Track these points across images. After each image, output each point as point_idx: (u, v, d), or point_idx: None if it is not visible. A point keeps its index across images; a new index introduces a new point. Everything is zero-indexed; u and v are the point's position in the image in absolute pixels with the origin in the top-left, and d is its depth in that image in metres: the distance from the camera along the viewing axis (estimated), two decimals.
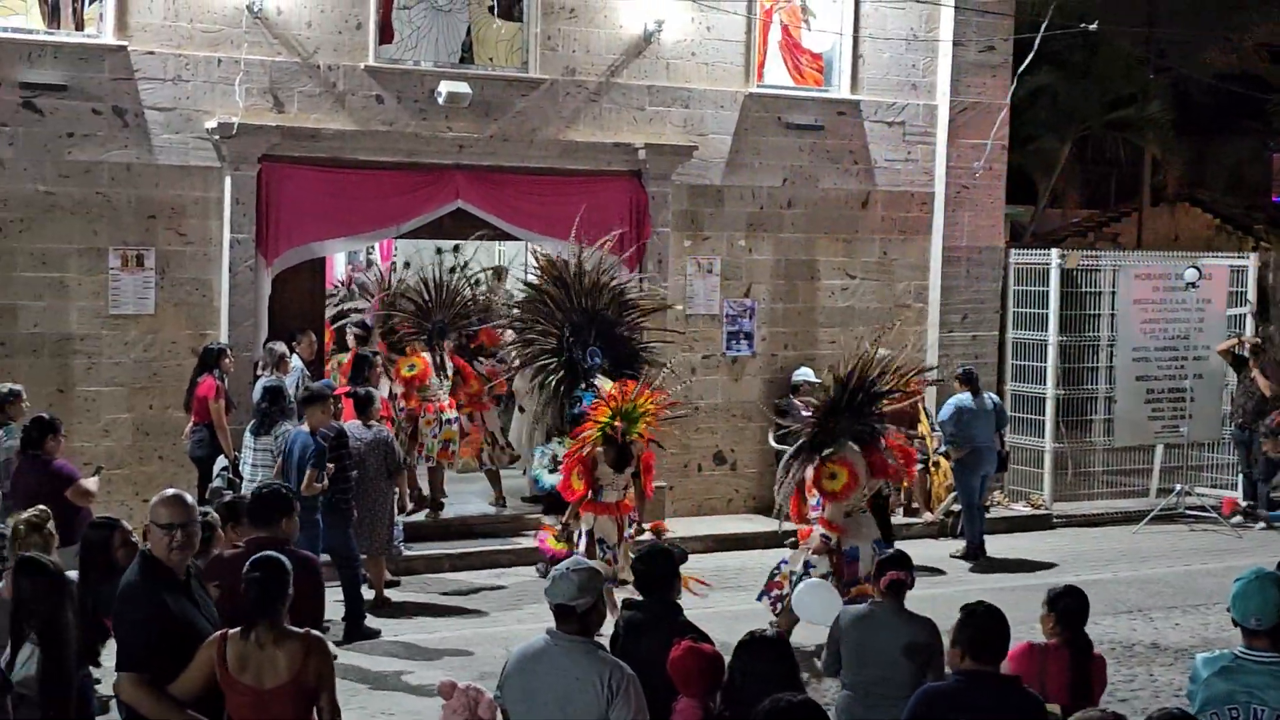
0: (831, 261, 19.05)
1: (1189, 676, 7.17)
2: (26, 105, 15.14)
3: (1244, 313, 20.95)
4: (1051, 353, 19.57)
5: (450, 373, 16.96)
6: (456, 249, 19.44)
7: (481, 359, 17.61)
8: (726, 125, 18.27)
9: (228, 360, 15.07)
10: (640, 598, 8.14)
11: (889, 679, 8.41)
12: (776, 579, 12.71)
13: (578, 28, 17.44)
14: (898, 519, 17.87)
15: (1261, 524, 19.32)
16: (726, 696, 6.86)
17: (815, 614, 9.78)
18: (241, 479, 13.90)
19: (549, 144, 17.26)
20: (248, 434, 14.05)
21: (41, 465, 11.86)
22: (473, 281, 18.43)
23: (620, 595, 11.28)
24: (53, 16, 15.41)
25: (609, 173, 17.57)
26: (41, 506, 9.30)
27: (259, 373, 15.16)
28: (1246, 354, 19.91)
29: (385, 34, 16.76)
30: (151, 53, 15.58)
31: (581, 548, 13.03)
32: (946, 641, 7.44)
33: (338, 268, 19.87)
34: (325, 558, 12.41)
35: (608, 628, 7.90)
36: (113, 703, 8.49)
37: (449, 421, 16.88)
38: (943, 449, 17.77)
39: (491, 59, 17.31)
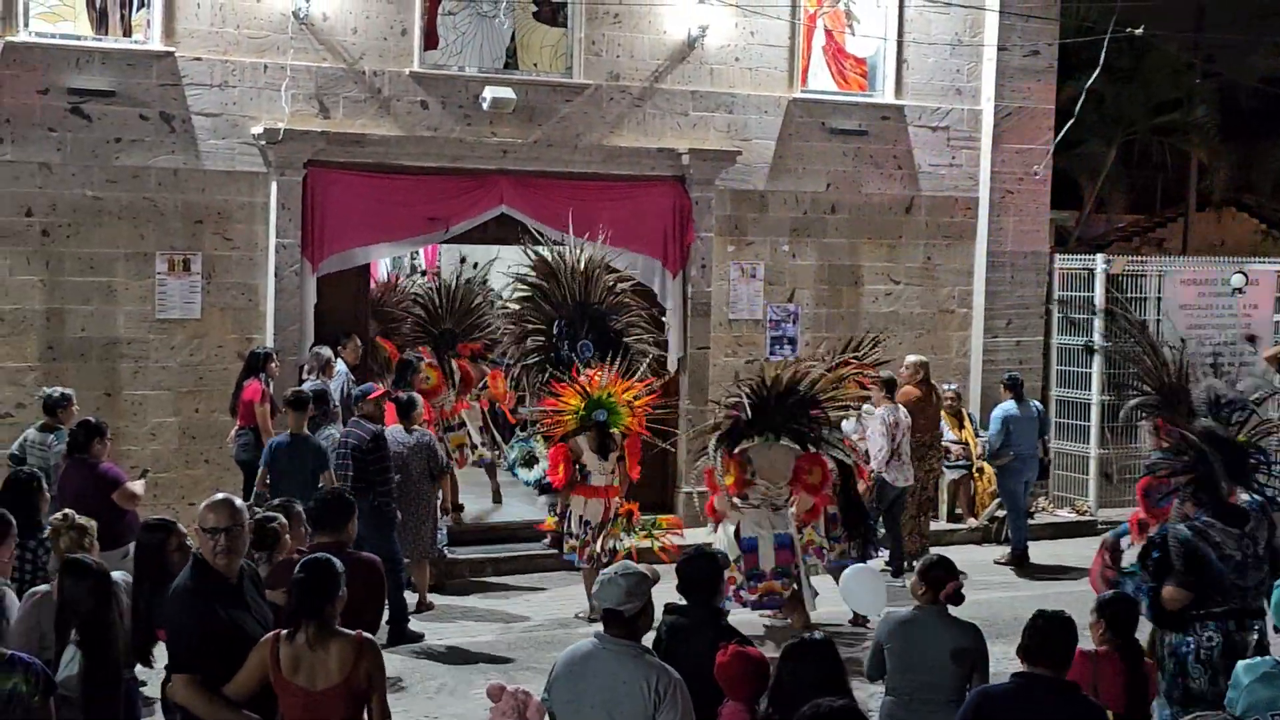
0: (875, 267, 19.02)
1: (1229, 683, 7.14)
2: (75, 111, 15.24)
3: None
4: (1097, 358, 19.48)
5: (457, 379, 17.09)
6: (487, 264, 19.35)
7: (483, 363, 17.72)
8: (770, 130, 18.26)
9: (274, 364, 15.14)
10: (683, 601, 8.14)
11: (933, 684, 8.39)
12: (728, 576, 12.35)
13: (622, 33, 17.47)
14: (941, 525, 17.89)
15: None
16: (773, 700, 6.86)
17: (862, 601, 9.72)
18: None
19: (593, 149, 17.28)
20: None
21: (88, 469, 11.93)
22: (487, 290, 18.47)
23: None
24: (101, 23, 15.51)
25: (652, 178, 17.59)
26: (85, 518, 9.33)
27: (304, 377, 15.22)
28: None
29: (430, 40, 16.82)
30: (198, 59, 15.67)
31: (567, 526, 14.05)
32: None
33: (381, 273, 19.93)
34: None
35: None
36: (158, 705, 8.56)
37: (459, 426, 16.97)
38: (986, 455, 17.72)
39: (536, 64, 17.35)
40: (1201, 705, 8.47)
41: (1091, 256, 20.18)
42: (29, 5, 15.12)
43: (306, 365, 15.40)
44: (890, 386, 15.93)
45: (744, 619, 12.49)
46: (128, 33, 15.60)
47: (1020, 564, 17.03)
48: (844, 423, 15.84)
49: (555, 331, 15.35)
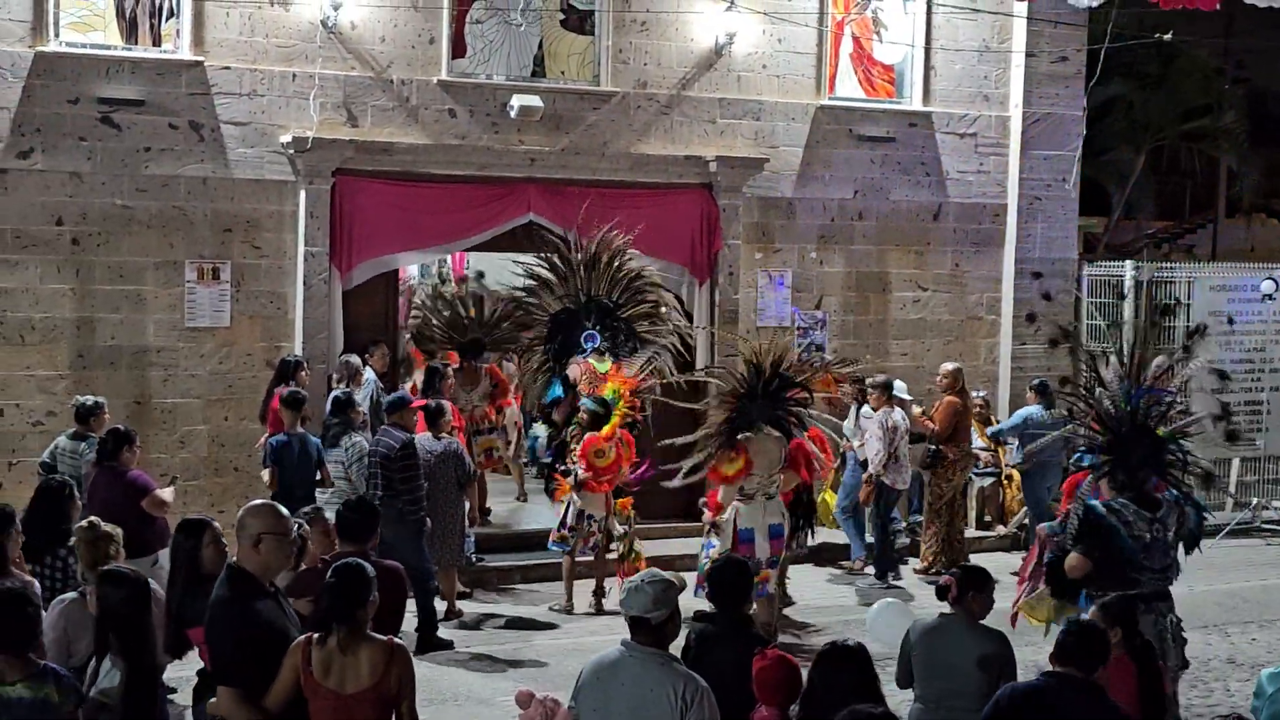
0: (903, 273, 18.99)
1: (1253, 691, 7.14)
2: (105, 120, 15.32)
3: None
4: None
5: (490, 385, 17.16)
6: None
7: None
8: (797, 137, 18.25)
9: (304, 373, 15.18)
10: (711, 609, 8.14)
11: (960, 691, 8.40)
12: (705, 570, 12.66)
13: (649, 41, 17.48)
14: (970, 532, 17.84)
15: None
16: (805, 707, 6.86)
17: (885, 635, 9.71)
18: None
19: (620, 157, 17.30)
20: None
21: (117, 476, 11.97)
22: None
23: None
24: (130, 33, 15.58)
25: (680, 185, 17.59)
26: (111, 525, 9.36)
27: (334, 385, 15.25)
28: None
29: (458, 48, 16.86)
30: (227, 68, 15.74)
31: (570, 520, 14.46)
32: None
33: (410, 277, 19.98)
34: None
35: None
36: (188, 712, 8.59)
37: (489, 431, 17.00)
38: (1014, 462, 17.71)
39: (563, 72, 17.37)
40: None
41: (1120, 263, 20.13)
42: (59, 15, 15.20)
43: (336, 374, 15.44)
44: (888, 390, 16.08)
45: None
46: (157, 42, 15.66)
47: None
48: (844, 425, 16.22)
49: (558, 320, 15.74)
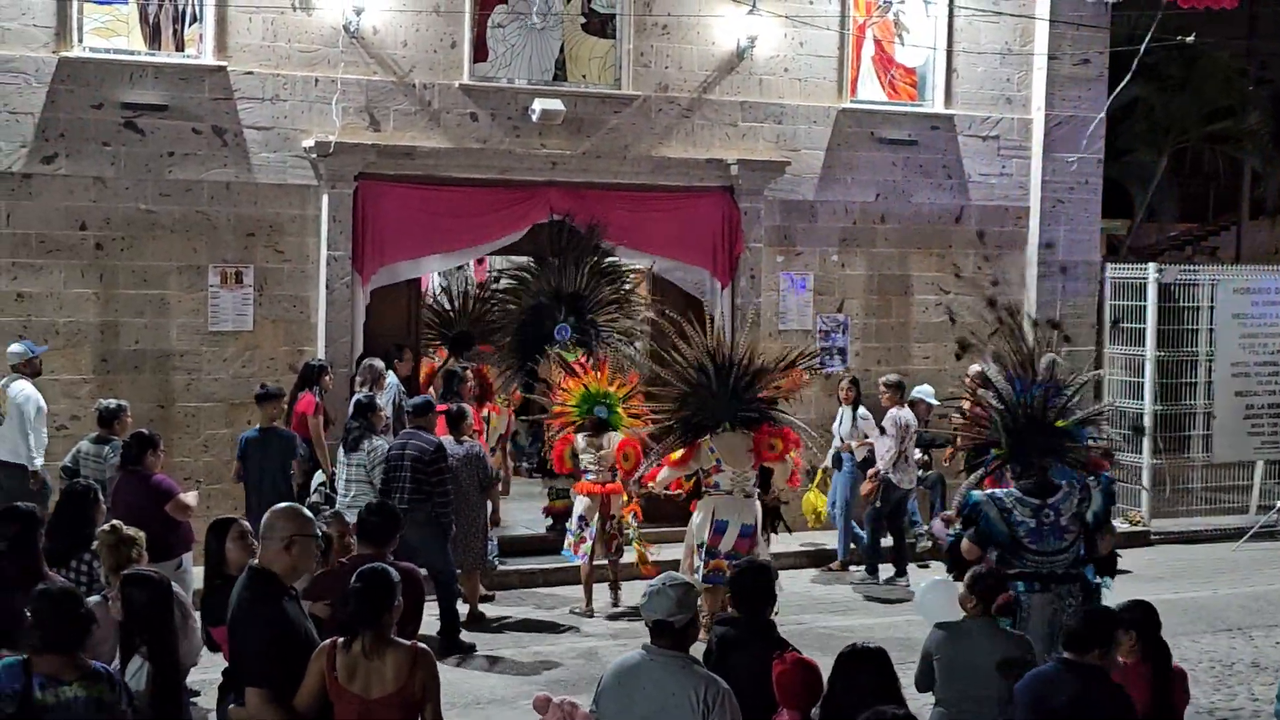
0: (925, 276, 18.97)
1: (1275, 694, 7.16)
2: (128, 125, 15.38)
3: None
4: (1149, 368, 19.37)
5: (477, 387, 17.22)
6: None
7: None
8: (819, 140, 18.25)
9: (328, 378, 15.23)
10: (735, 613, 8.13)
11: (981, 695, 8.44)
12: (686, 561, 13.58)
13: (671, 44, 17.49)
14: None
15: None
16: (826, 710, 6.86)
17: (935, 614, 9.73)
18: (337, 494, 14.06)
19: (642, 160, 17.31)
20: (340, 450, 14.22)
21: (141, 480, 12.00)
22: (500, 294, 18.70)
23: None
24: (154, 38, 15.64)
25: (701, 188, 17.60)
26: (133, 529, 9.39)
27: (357, 389, 15.28)
28: None
29: (480, 52, 16.89)
30: (250, 73, 15.79)
31: (573, 525, 14.77)
32: None
33: (433, 285, 20.01)
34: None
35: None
36: (211, 715, 8.62)
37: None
38: None
39: (585, 76, 17.40)
40: None
41: (1143, 265, 20.08)
42: (83, 21, 15.27)
43: (359, 377, 15.47)
44: (899, 389, 16.17)
45: None
46: (180, 48, 15.72)
47: None
48: (841, 426, 16.58)
49: (532, 312, 16.43)
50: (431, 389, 16.76)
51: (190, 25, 15.74)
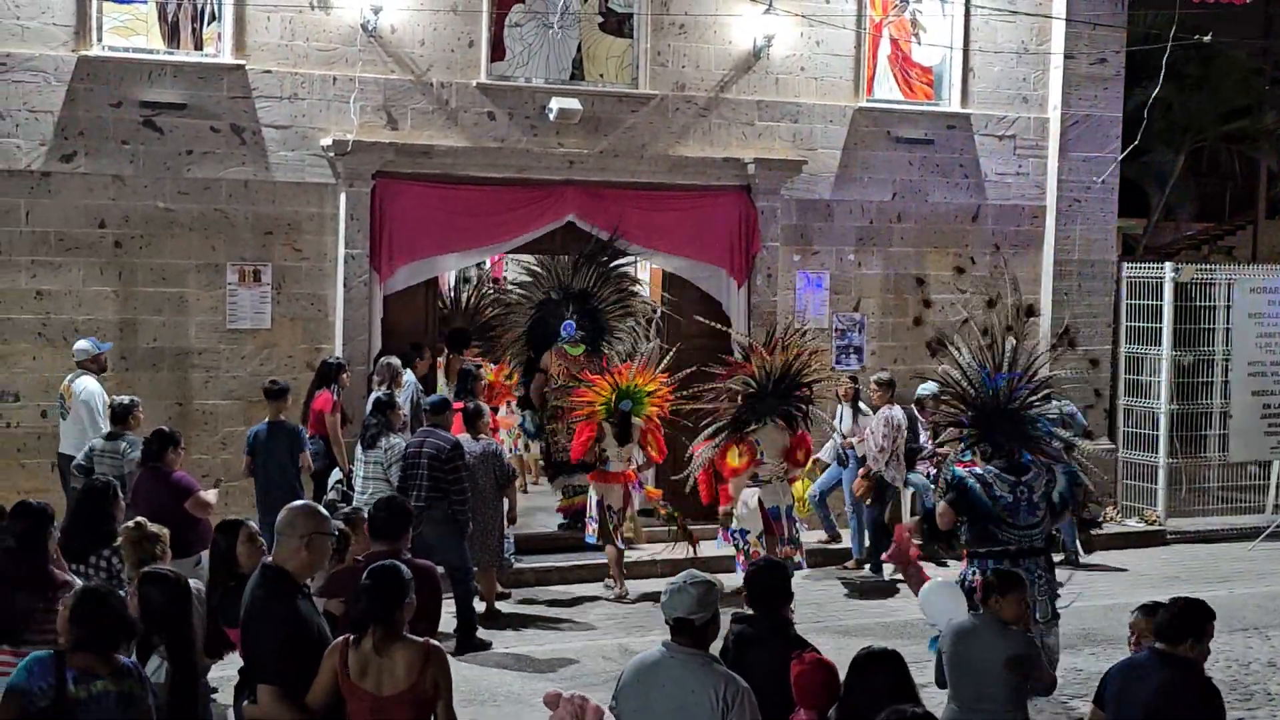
0: (941, 275, 18.97)
1: None
2: (147, 124, 15.43)
3: None
4: (1165, 367, 19.36)
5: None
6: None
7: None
8: (836, 140, 18.26)
9: (345, 375, 15.28)
10: (750, 611, 8.15)
11: (991, 693, 8.52)
12: (749, 550, 14.35)
13: (687, 43, 17.51)
14: None
15: None
16: (843, 711, 6.88)
17: (938, 615, 9.81)
18: (354, 491, 14.11)
19: (659, 159, 17.33)
20: (358, 448, 14.27)
21: (161, 477, 12.04)
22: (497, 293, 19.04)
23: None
24: (172, 36, 15.69)
25: (718, 187, 17.61)
26: (157, 526, 9.44)
27: (375, 387, 15.31)
28: None
29: (497, 51, 16.92)
30: (268, 71, 15.84)
31: (593, 512, 15.31)
32: None
33: (449, 283, 20.07)
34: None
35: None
36: (230, 712, 8.65)
37: None
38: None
39: (602, 75, 17.42)
40: None
41: (1160, 265, 20.07)
42: (103, 20, 15.33)
43: (377, 375, 15.50)
44: (890, 387, 16.37)
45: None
46: (199, 46, 15.77)
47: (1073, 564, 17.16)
48: (842, 423, 16.80)
49: (541, 306, 16.97)
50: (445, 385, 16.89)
51: (209, 24, 15.78)
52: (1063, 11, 19.08)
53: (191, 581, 8.31)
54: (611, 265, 17.13)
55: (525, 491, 18.40)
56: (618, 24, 17.46)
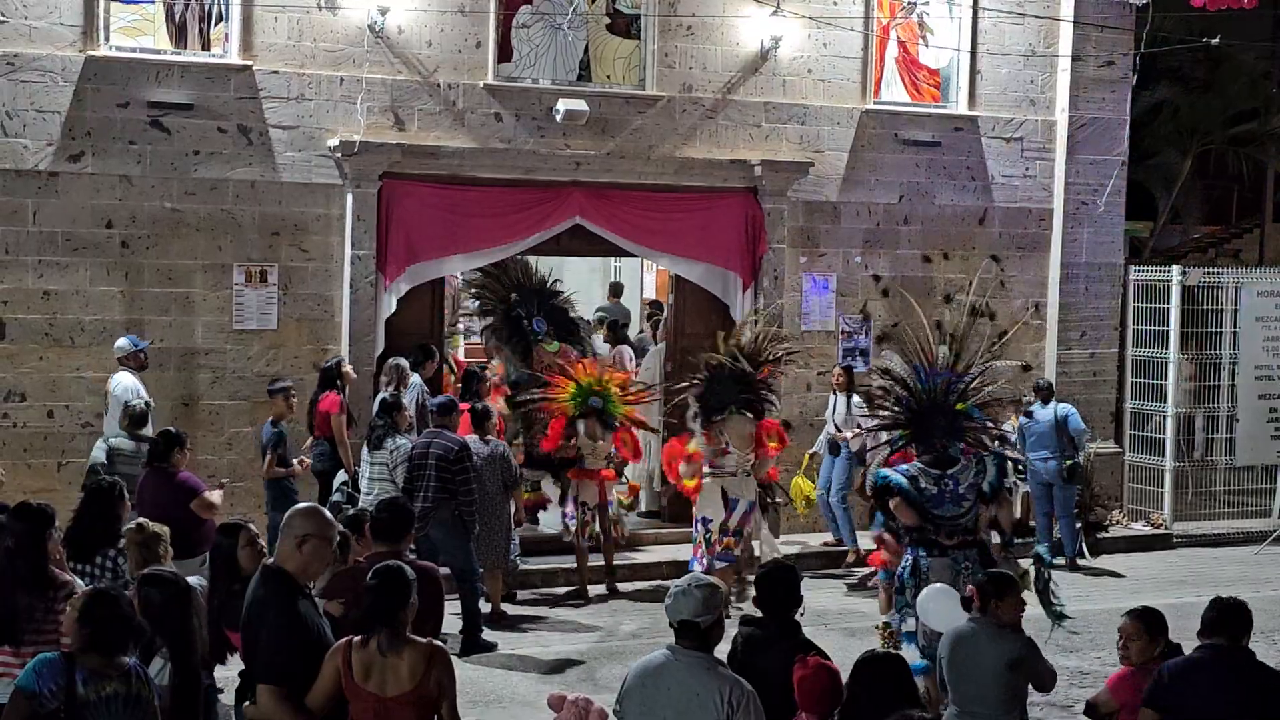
0: (948, 278, 18.94)
1: None
2: (154, 124, 15.44)
3: None
4: (1172, 370, 19.33)
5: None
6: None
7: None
8: (843, 142, 18.24)
9: (348, 368, 15.31)
10: (759, 614, 8.14)
11: (989, 696, 8.56)
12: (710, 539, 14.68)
13: (695, 45, 17.50)
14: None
15: None
16: (845, 715, 6.87)
17: (937, 620, 9.87)
18: (360, 493, 14.11)
19: (665, 161, 17.32)
20: (364, 449, 14.28)
21: (167, 478, 12.06)
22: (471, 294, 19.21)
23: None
24: (180, 37, 15.69)
25: (725, 189, 17.60)
26: (159, 525, 9.44)
27: (382, 388, 15.30)
28: None
29: (504, 52, 16.91)
30: (276, 72, 15.84)
31: (569, 508, 15.63)
32: None
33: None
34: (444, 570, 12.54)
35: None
36: (231, 712, 8.65)
37: None
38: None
39: (609, 76, 17.41)
40: (901, 607, 11.42)
41: (1167, 268, 20.05)
42: (110, 20, 15.33)
43: (385, 376, 15.49)
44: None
45: None
46: (206, 47, 15.78)
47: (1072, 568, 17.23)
48: (835, 413, 16.98)
49: (513, 306, 17.50)
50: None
51: (216, 24, 15.78)
52: (1070, 14, 19.06)
53: (195, 579, 8.32)
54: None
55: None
56: (625, 25, 17.46)
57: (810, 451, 17.30)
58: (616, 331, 20.43)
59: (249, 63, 15.74)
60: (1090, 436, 18.22)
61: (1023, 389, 17.51)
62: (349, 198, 16.03)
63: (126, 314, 15.41)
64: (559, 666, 12.99)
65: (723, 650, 7.27)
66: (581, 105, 16.72)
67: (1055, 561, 12.13)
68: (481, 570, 13.85)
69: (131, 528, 9.28)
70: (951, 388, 12.24)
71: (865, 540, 16.06)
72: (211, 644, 8.15)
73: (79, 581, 8.79)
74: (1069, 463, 17.20)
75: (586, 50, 17.30)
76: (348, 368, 15.36)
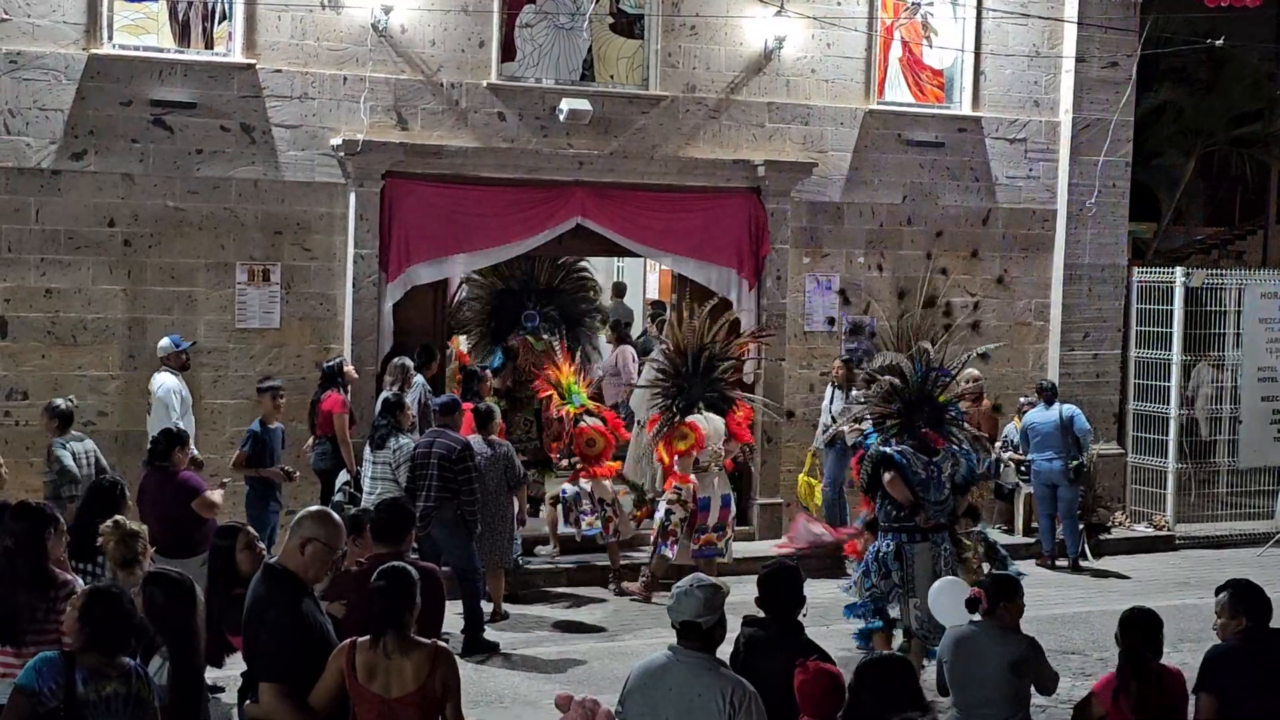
0: (952, 278, 18.92)
1: None
2: (157, 123, 15.43)
3: None
4: (1175, 372, 19.31)
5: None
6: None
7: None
8: (846, 142, 18.22)
9: (349, 368, 15.31)
10: (762, 614, 8.13)
11: (992, 698, 8.59)
12: (668, 527, 15.17)
13: (698, 45, 17.49)
14: (1017, 539, 17.85)
15: None
16: (849, 718, 6.84)
17: (946, 614, 9.86)
18: (362, 492, 14.09)
19: (669, 160, 17.31)
20: (366, 448, 14.26)
21: (168, 477, 12.03)
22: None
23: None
24: (183, 35, 15.68)
25: (728, 189, 17.59)
26: (136, 523, 9.42)
27: (386, 388, 15.28)
28: None
29: (507, 52, 16.90)
30: (279, 71, 15.83)
31: (585, 506, 15.69)
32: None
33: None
34: (445, 570, 12.52)
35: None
36: (234, 711, 8.64)
37: None
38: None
39: (612, 76, 17.39)
40: (875, 595, 12.08)
41: (1170, 269, 20.02)
42: (113, 18, 15.32)
43: (389, 376, 15.47)
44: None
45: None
46: (209, 45, 15.77)
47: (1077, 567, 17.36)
48: (833, 405, 17.09)
49: (499, 297, 18.02)
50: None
51: (219, 23, 15.78)
52: (1074, 15, 19.04)
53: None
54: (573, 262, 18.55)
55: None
56: (628, 25, 17.44)
57: (811, 449, 17.29)
58: (619, 332, 20.44)
59: (252, 61, 15.73)
60: (1093, 438, 18.20)
61: (984, 373, 17.75)
62: (352, 197, 16.02)
63: (129, 313, 15.41)
64: (561, 666, 12.98)
65: (725, 651, 7.27)
66: (585, 105, 16.71)
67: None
68: (484, 570, 13.84)
69: (108, 527, 9.23)
70: (936, 381, 12.94)
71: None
72: (209, 646, 8.14)
73: (79, 580, 8.78)
74: (1075, 463, 17.20)
75: (590, 50, 17.29)
76: (349, 367, 15.36)
